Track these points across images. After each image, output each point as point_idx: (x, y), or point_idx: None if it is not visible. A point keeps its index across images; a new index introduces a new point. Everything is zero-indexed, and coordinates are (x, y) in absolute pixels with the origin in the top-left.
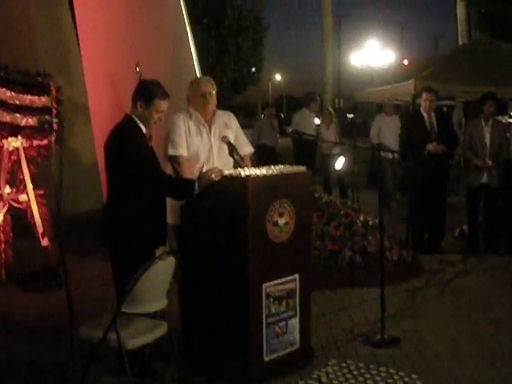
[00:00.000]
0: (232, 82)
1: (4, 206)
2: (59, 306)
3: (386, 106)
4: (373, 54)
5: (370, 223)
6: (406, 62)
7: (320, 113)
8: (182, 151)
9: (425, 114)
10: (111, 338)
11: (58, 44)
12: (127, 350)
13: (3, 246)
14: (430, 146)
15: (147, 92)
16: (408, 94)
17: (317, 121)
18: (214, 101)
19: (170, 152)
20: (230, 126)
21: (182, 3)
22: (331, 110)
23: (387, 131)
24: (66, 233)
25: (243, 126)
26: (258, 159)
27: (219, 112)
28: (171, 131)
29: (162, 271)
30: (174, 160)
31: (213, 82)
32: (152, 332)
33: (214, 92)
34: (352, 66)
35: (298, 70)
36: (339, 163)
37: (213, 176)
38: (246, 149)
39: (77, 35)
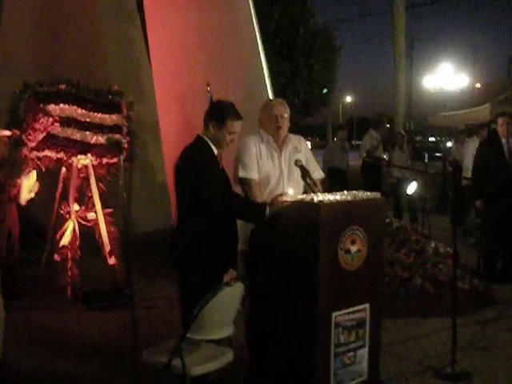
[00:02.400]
0: (303, 103)
1: (72, 224)
2: (124, 326)
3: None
4: (446, 78)
5: (441, 250)
6: (478, 85)
7: (390, 135)
8: (254, 174)
9: (503, 140)
10: (175, 363)
11: (130, 62)
12: (191, 377)
13: (70, 263)
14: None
15: (220, 113)
16: (483, 119)
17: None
18: (285, 124)
19: (241, 174)
20: (300, 149)
21: (255, 23)
22: (404, 132)
23: None
24: (133, 252)
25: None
26: (329, 182)
27: (290, 135)
28: (242, 154)
29: (229, 297)
30: (245, 183)
31: (286, 105)
32: (217, 359)
33: (286, 115)
34: (424, 88)
35: (369, 91)
36: (411, 188)
37: (285, 200)
38: (317, 173)
39: (148, 54)
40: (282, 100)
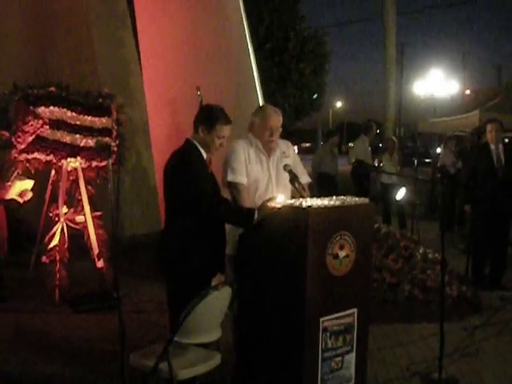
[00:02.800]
0: (293, 108)
1: (60, 226)
2: (111, 330)
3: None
4: (436, 84)
5: (430, 256)
6: (468, 91)
7: (381, 141)
8: (242, 179)
9: (492, 146)
10: (163, 367)
11: (120, 65)
12: (178, 381)
13: (58, 266)
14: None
15: (209, 117)
16: (472, 125)
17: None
18: (278, 135)
19: (230, 178)
20: (287, 154)
21: (245, 28)
22: (395, 138)
23: None
24: (122, 255)
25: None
26: (318, 188)
27: (278, 140)
28: (230, 158)
29: (217, 302)
30: (233, 187)
31: (280, 115)
32: (205, 363)
33: (280, 127)
34: (414, 94)
35: (359, 96)
36: (400, 194)
37: (273, 205)
38: (304, 178)
39: (139, 57)
40: (277, 109)
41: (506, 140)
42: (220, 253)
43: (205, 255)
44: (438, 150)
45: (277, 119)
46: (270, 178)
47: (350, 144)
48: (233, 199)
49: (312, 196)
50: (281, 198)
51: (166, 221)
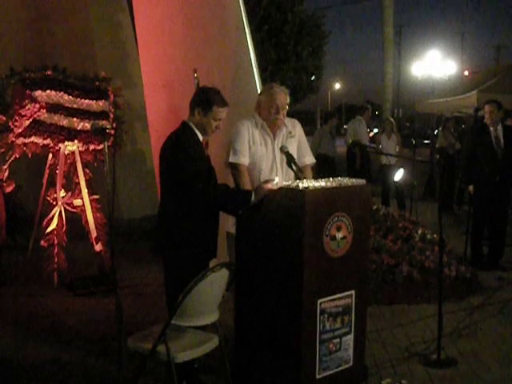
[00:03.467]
0: (292, 90)
1: (58, 210)
2: (110, 313)
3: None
4: (434, 64)
5: (429, 237)
6: (466, 72)
7: (379, 122)
8: (244, 160)
9: (491, 128)
10: (160, 350)
11: (117, 48)
12: (177, 364)
13: (56, 249)
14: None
15: (206, 99)
16: (470, 106)
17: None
18: (284, 113)
19: (231, 159)
20: (294, 134)
21: (242, 10)
22: (392, 119)
23: None
24: (120, 238)
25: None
26: (317, 169)
27: (284, 120)
28: (234, 139)
29: (214, 284)
30: (235, 167)
31: (287, 94)
32: (202, 345)
33: (287, 106)
34: (412, 75)
35: (358, 78)
36: (398, 175)
37: (270, 186)
38: (308, 158)
39: (136, 40)
40: (284, 88)
41: None
42: (216, 235)
43: (201, 238)
44: (436, 131)
45: (283, 97)
46: (274, 159)
47: (345, 126)
48: (234, 181)
49: (315, 177)
50: (277, 180)
51: (161, 203)
